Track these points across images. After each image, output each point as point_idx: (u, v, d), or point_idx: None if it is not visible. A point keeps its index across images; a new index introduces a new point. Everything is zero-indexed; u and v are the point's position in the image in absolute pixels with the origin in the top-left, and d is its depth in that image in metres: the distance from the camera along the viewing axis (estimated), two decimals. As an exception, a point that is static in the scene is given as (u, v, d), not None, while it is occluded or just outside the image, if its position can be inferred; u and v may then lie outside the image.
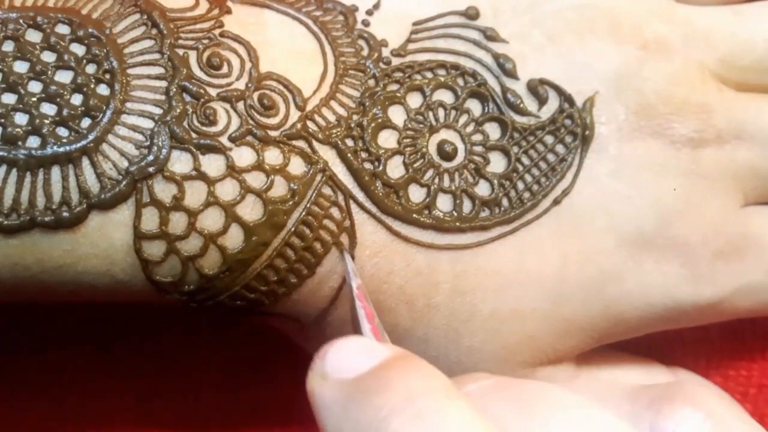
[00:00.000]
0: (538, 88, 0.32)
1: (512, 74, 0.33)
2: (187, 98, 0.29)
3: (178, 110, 0.29)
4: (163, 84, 0.29)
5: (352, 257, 0.30)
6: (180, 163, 0.28)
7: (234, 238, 0.29)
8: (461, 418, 0.22)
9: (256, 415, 0.37)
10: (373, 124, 0.31)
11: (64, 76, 0.28)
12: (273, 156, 0.29)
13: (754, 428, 0.25)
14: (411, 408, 0.22)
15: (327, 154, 0.30)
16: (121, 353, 0.37)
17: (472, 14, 0.33)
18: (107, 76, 0.28)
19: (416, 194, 0.31)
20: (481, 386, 0.25)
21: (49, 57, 0.28)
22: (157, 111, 0.29)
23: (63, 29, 0.29)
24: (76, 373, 0.37)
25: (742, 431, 0.25)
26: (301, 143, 0.30)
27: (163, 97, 0.29)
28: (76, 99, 0.28)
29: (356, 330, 0.28)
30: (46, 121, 0.28)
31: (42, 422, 0.37)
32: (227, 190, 0.29)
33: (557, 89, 0.32)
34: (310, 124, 0.30)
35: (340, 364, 0.24)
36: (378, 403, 0.23)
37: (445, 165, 0.31)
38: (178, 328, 0.37)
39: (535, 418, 0.23)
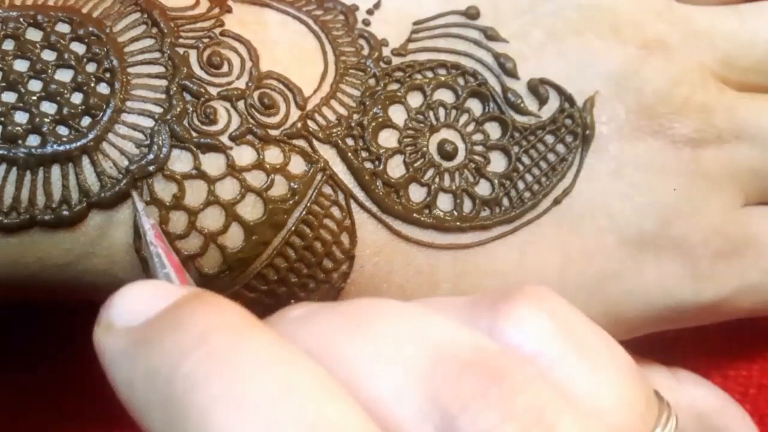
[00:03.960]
0: (538, 88, 0.32)
1: (513, 74, 0.33)
2: (188, 97, 0.29)
3: (179, 109, 0.29)
4: (164, 83, 0.29)
5: (353, 257, 0.30)
6: (180, 162, 0.28)
7: (234, 238, 0.29)
8: (259, 350, 0.20)
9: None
10: (373, 124, 0.31)
11: (64, 75, 0.28)
12: (273, 155, 0.29)
13: (599, 331, 0.23)
14: (203, 347, 0.20)
15: (327, 153, 0.30)
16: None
17: (472, 14, 0.33)
18: (107, 74, 0.28)
19: (417, 194, 0.31)
20: (305, 311, 0.22)
21: (49, 55, 0.28)
22: (158, 110, 0.29)
23: (63, 28, 0.29)
24: (76, 373, 0.37)
25: (586, 329, 0.22)
26: (301, 142, 0.30)
27: (163, 96, 0.29)
28: (77, 98, 0.28)
29: (150, 276, 0.26)
30: (46, 120, 0.28)
31: (42, 422, 0.37)
32: (227, 189, 0.29)
33: (558, 89, 0.32)
34: (310, 123, 0.30)
35: (127, 310, 0.22)
36: (167, 347, 0.20)
37: (446, 164, 0.31)
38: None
39: (361, 331, 0.21)
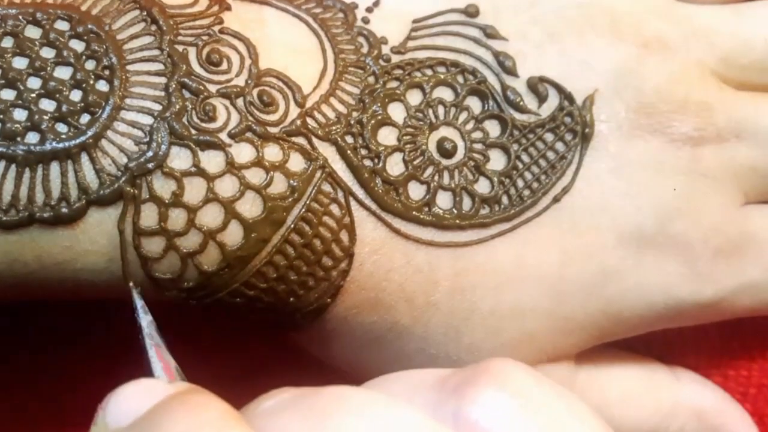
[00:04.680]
0: (538, 86, 0.32)
1: (512, 72, 0.33)
2: (187, 94, 0.29)
3: (178, 106, 0.29)
4: (163, 80, 0.29)
5: (352, 254, 0.30)
6: (179, 159, 0.28)
7: (233, 235, 0.29)
8: None
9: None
10: (372, 121, 0.31)
11: (63, 72, 0.28)
12: (272, 152, 0.29)
13: (568, 404, 0.23)
14: None
15: (327, 150, 0.30)
16: (121, 353, 0.37)
17: (471, 12, 0.33)
18: (106, 72, 0.28)
19: (416, 191, 0.31)
20: (277, 402, 0.22)
21: (48, 53, 0.28)
22: (157, 107, 0.28)
23: (62, 25, 0.29)
24: (76, 373, 0.37)
25: (553, 406, 0.22)
26: (300, 140, 0.30)
27: (162, 94, 0.29)
28: (76, 95, 0.28)
29: (149, 373, 0.26)
30: (45, 117, 0.28)
31: (42, 422, 0.37)
32: (226, 187, 0.29)
33: (557, 87, 0.32)
34: (309, 120, 0.30)
35: (118, 411, 0.22)
36: None
37: (445, 162, 0.31)
38: (178, 327, 0.37)
39: (327, 425, 0.21)
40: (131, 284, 0.29)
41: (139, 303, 0.28)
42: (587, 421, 0.23)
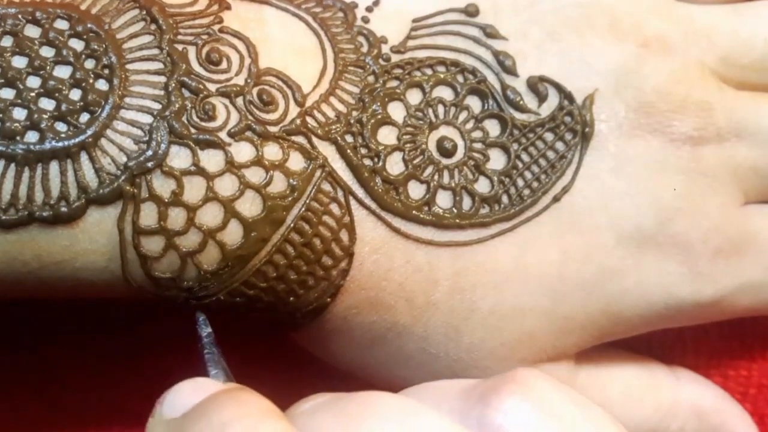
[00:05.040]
0: (537, 85, 0.32)
1: (512, 71, 0.33)
2: (186, 93, 0.29)
3: (177, 105, 0.29)
4: (162, 79, 0.29)
5: (352, 254, 0.30)
6: (179, 158, 0.28)
7: (233, 234, 0.29)
8: None
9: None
10: (372, 121, 0.31)
11: (62, 71, 0.28)
12: (272, 151, 0.29)
13: (587, 412, 0.24)
14: None
15: (326, 150, 0.30)
16: (121, 353, 0.37)
17: (471, 11, 0.33)
18: (106, 71, 0.28)
19: (416, 191, 0.31)
20: (314, 405, 0.25)
21: (47, 52, 0.28)
22: (156, 106, 0.28)
23: (62, 24, 0.29)
24: (76, 373, 0.37)
25: (573, 417, 0.24)
26: (300, 139, 0.30)
27: (162, 93, 0.29)
28: (75, 94, 0.28)
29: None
30: (45, 116, 0.28)
31: (41, 422, 0.37)
32: (226, 186, 0.29)
33: (557, 86, 0.32)
34: (309, 120, 0.30)
35: (173, 403, 0.25)
36: None
37: (445, 162, 0.31)
38: (178, 328, 0.37)
39: (360, 427, 0.23)
40: (200, 318, 0.30)
41: (201, 317, 0.30)
42: (606, 429, 0.24)
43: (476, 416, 0.23)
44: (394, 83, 0.32)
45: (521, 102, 0.32)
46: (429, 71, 0.32)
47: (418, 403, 0.24)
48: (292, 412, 0.25)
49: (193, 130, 0.29)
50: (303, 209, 0.29)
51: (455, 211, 0.31)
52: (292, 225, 0.29)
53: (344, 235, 0.30)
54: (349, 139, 0.31)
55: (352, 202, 0.30)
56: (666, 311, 0.33)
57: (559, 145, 0.32)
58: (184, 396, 0.25)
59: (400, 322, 0.31)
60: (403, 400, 0.24)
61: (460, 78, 0.32)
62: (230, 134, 0.29)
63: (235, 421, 0.23)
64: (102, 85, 0.28)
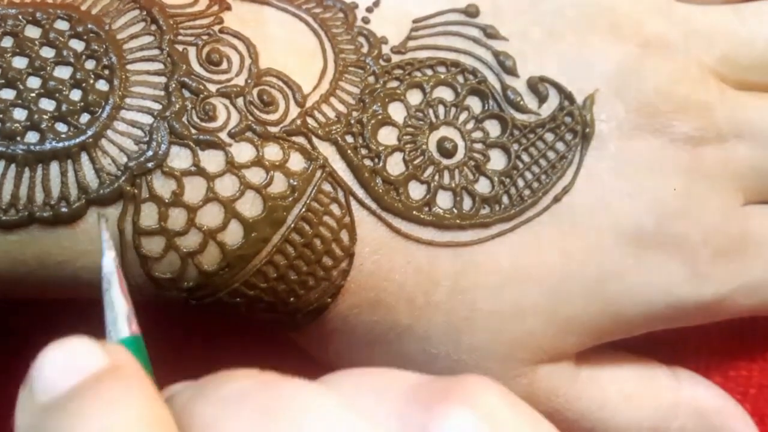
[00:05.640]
0: (538, 86, 0.32)
1: (512, 72, 0.33)
2: (187, 94, 0.29)
3: (177, 106, 0.29)
4: (163, 80, 0.29)
5: (352, 254, 0.30)
6: (179, 158, 0.28)
7: (233, 234, 0.29)
8: None
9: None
10: (373, 121, 0.31)
11: (63, 72, 0.28)
12: (272, 152, 0.29)
13: (537, 428, 0.22)
14: None
15: (327, 150, 0.30)
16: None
17: (472, 12, 0.33)
18: (106, 71, 0.28)
19: (416, 191, 0.31)
20: (234, 389, 0.21)
21: (48, 53, 0.28)
22: (156, 107, 0.28)
23: (62, 25, 0.29)
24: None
25: (523, 428, 0.22)
26: (300, 139, 0.30)
27: (162, 93, 0.29)
28: (75, 94, 0.28)
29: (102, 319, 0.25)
30: (45, 117, 0.28)
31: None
32: (226, 186, 0.29)
33: (557, 87, 0.32)
34: (309, 120, 0.30)
35: (43, 380, 0.21)
36: None
37: (445, 162, 0.31)
38: (178, 329, 0.37)
39: (275, 425, 0.20)
40: (98, 214, 0.27)
41: (105, 235, 0.26)
42: None
43: (419, 424, 0.21)
44: (394, 84, 0.32)
45: (521, 102, 0.32)
46: (429, 72, 0.32)
47: (345, 405, 0.21)
48: (207, 389, 0.22)
49: (193, 131, 0.29)
50: (303, 210, 0.29)
51: (456, 211, 0.31)
52: (292, 225, 0.29)
53: (345, 236, 0.30)
54: (349, 139, 0.31)
55: (353, 203, 0.30)
56: (666, 311, 0.33)
57: (560, 146, 0.32)
58: (55, 373, 0.21)
59: (400, 323, 0.31)
60: (331, 398, 0.21)
61: (460, 78, 0.32)
62: (230, 135, 0.29)
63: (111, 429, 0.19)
64: (102, 85, 0.28)
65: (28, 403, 0.21)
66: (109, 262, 0.25)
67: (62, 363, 0.21)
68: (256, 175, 0.29)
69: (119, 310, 0.24)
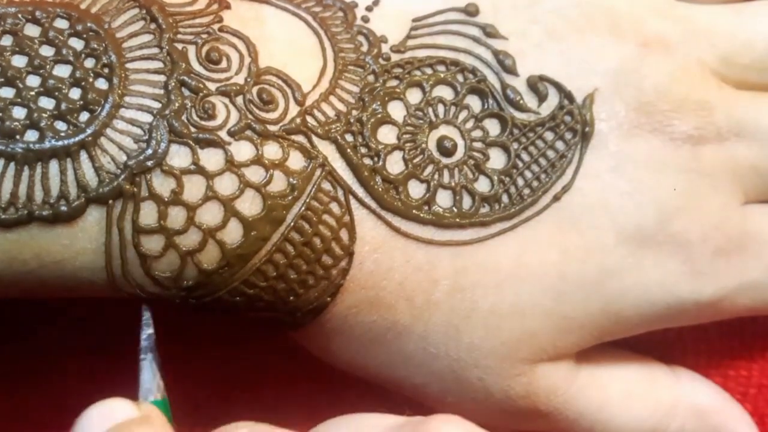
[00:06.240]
0: (537, 85, 0.32)
1: (512, 71, 0.32)
2: (186, 92, 0.29)
3: (177, 104, 0.29)
4: (162, 78, 0.29)
5: (352, 253, 0.30)
6: (179, 157, 0.28)
7: (233, 233, 0.29)
8: None
9: (254, 415, 0.37)
10: (372, 120, 0.31)
11: (62, 71, 0.28)
12: (272, 150, 0.29)
13: None
14: None
15: (326, 149, 0.30)
16: (120, 353, 0.37)
17: (471, 11, 0.33)
18: (106, 70, 0.28)
19: (416, 190, 0.31)
20: None
21: (47, 51, 0.28)
22: (156, 105, 0.28)
23: (61, 24, 0.29)
24: (76, 372, 0.37)
25: None
26: (300, 138, 0.30)
27: (161, 92, 0.29)
28: (75, 93, 0.28)
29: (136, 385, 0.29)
30: (45, 115, 0.28)
31: (42, 422, 0.37)
32: (226, 185, 0.29)
33: (557, 86, 0.32)
34: (309, 119, 0.30)
35: (85, 428, 0.25)
36: None
37: (445, 161, 0.31)
38: (178, 328, 0.37)
39: None
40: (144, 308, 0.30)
41: (146, 314, 0.29)
42: None
43: None
44: (394, 82, 0.32)
45: (521, 101, 0.32)
46: (429, 70, 0.32)
47: None
48: None
49: (192, 129, 0.29)
50: (303, 208, 0.29)
51: (455, 210, 0.31)
52: (292, 224, 0.29)
53: (344, 234, 0.30)
54: (349, 138, 0.31)
55: (352, 202, 0.30)
56: (666, 310, 0.33)
57: (559, 145, 0.32)
58: (95, 420, 0.25)
59: (400, 322, 0.31)
60: None
61: (460, 77, 0.32)
62: (230, 133, 0.29)
63: None
64: (102, 84, 0.28)
65: None
66: (147, 337, 0.29)
67: (95, 418, 0.25)
68: (255, 174, 0.29)
69: (150, 378, 0.28)
